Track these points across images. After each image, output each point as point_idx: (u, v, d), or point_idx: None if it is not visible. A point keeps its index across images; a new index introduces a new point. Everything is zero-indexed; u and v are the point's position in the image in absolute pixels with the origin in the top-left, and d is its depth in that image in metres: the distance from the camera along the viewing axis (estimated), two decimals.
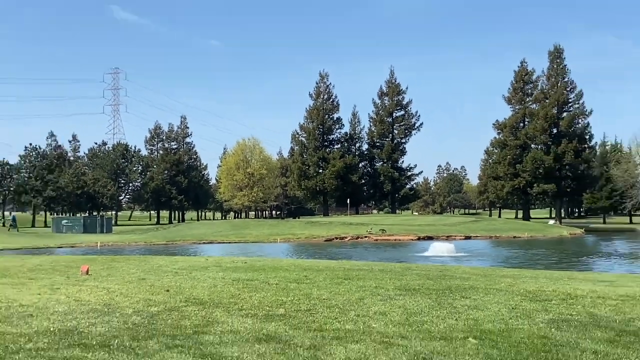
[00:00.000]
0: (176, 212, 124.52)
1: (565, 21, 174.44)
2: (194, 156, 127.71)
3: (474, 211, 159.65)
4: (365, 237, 59.50)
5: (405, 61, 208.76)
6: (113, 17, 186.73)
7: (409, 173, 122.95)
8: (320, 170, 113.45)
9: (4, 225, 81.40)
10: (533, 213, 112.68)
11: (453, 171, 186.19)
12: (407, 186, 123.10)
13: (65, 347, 6.09)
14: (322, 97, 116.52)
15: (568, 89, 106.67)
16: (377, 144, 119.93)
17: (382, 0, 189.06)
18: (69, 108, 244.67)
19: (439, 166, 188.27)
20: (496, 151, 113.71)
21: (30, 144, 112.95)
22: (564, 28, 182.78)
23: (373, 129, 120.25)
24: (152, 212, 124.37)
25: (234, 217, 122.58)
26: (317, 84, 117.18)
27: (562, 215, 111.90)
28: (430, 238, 56.57)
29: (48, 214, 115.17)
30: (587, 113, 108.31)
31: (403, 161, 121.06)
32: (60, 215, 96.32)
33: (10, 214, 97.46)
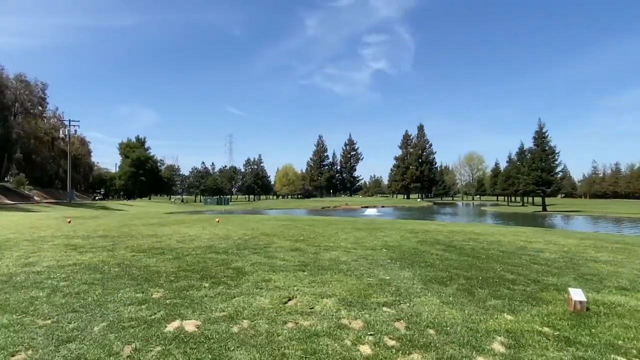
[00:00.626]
0: (256, 196, 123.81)
1: (425, 111, 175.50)
2: (264, 171, 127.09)
3: (385, 195, 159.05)
4: (339, 206, 59.09)
5: (358, 127, 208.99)
6: (227, 111, 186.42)
7: (358, 179, 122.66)
8: (319, 177, 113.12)
9: (181, 202, 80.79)
10: (411, 196, 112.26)
11: (377, 178, 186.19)
12: (357, 184, 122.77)
13: (208, 253, 6.06)
14: (320, 146, 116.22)
15: (426, 143, 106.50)
16: (344, 166, 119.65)
17: (348, 102, 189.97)
18: (211, 151, 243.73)
19: (371, 176, 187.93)
20: (395, 169, 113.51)
21: (193, 167, 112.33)
22: (425, 115, 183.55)
23: (342, 160, 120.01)
24: (246, 196, 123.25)
25: (282, 198, 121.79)
26: (318, 141, 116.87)
27: (423, 197, 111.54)
28: (366, 207, 56.33)
29: (201, 196, 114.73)
30: (434, 152, 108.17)
31: (355, 174, 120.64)
32: (206, 197, 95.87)
33: (181, 197, 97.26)
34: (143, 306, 3.58)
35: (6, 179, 47.13)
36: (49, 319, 3.29)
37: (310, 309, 3.58)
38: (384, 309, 3.62)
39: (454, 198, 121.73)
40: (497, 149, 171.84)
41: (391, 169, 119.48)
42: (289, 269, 4.93)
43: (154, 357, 2.75)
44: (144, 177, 75.07)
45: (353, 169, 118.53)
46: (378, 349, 2.89)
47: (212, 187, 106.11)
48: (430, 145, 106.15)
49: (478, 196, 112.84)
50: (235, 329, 3.17)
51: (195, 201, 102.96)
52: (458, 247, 7.13)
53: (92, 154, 74.12)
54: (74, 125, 43.58)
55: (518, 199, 77.25)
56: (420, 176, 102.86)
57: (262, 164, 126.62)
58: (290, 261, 5.47)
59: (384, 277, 4.62)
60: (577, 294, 3.79)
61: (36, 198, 42.33)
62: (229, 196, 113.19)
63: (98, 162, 71.42)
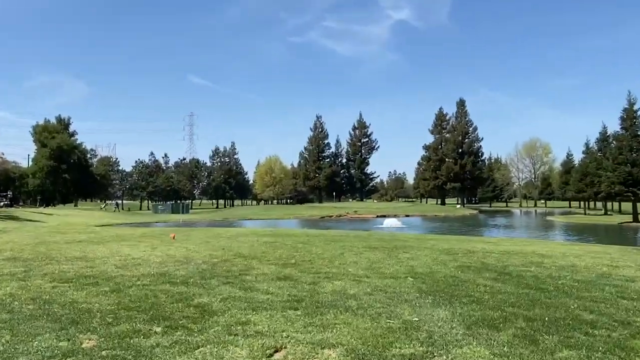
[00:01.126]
0: (228, 200, 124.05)
1: (467, 81, 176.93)
2: (239, 165, 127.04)
3: (411, 199, 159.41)
4: (345, 215, 59.36)
5: (370, 105, 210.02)
6: (188, 80, 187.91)
7: (371, 176, 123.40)
8: (317, 175, 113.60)
9: (116, 209, 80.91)
10: (447, 200, 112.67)
11: (398, 175, 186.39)
12: (370, 184, 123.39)
13: (160, 283, 6.08)
14: (317, 130, 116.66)
15: (468, 125, 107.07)
16: (352, 159, 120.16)
17: (357, 67, 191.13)
18: (164, 137, 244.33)
19: (390, 172, 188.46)
20: (424, 163, 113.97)
21: (139, 159, 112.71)
22: (466, 86, 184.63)
23: (349, 150, 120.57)
24: (213, 200, 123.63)
25: (264, 204, 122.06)
26: (315, 122, 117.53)
27: (464, 202, 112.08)
28: (384, 216, 56.50)
29: (149, 201, 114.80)
30: (480, 139, 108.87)
31: (367, 169, 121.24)
32: (156, 203, 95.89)
33: (115, 202, 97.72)
34: None
35: None
36: None
37: None
38: None
39: (509, 203, 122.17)
40: (570, 135, 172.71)
41: (419, 163, 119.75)
42: (276, 307, 4.93)
43: None
44: (68, 173, 75.10)
45: (365, 162, 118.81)
46: None
47: (166, 188, 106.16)
48: (475, 128, 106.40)
49: (543, 201, 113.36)
50: None
51: (140, 208, 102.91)
52: (515, 274, 7.16)
53: None
54: None
55: (600, 204, 77.47)
56: (460, 173, 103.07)
57: (236, 156, 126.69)
58: (277, 295, 5.47)
59: (410, 317, 4.63)
60: None
61: None
62: (189, 201, 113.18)
63: (3, 153, 71.23)
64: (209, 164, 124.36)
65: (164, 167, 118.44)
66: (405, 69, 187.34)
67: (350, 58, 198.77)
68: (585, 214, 67.33)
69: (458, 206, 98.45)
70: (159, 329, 4.21)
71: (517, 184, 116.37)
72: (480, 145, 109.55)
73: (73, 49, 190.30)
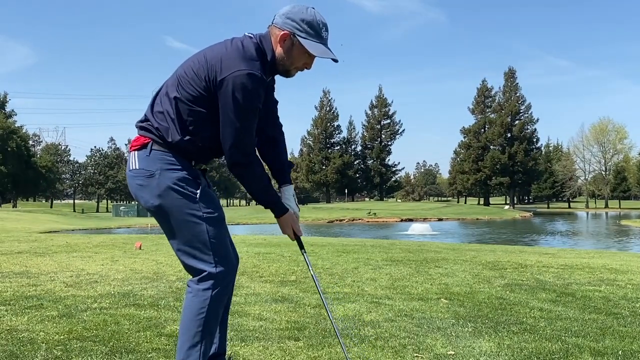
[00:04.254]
0: None
1: (518, 45, 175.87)
2: None
3: (445, 199, 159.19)
4: (360, 219, 59.47)
5: (393, 77, 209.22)
6: (163, 44, 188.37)
7: (394, 169, 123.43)
8: (324, 167, 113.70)
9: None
10: (492, 200, 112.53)
11: (428, 167, 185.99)
12: (392, 179, 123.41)
13: (123, 307, 6.12)
14: (325, 109, 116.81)
15: (519, 102, 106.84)
16: (369, 146, 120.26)
17: (377, 32, 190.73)
18: (125, 117, 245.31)
19: (418, 163, 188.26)
20: (462, 151, 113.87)
21: (95, 147, 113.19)
22: (519, 51, 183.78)
23: (365, 134, 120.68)
24: None
25: (256, 204, 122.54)
26: (321, 98, 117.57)
27: (515, 202, 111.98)
28: (410, 220, 56.65)
29: (109, 201, 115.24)
30: (534, 121, 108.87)
31: (389, 159, 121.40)
32: (118, 203, 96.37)
33: None
34: None
35: None
36: None
37: None
38: None
39: (572, 204, 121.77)
40: None
41: (455, 152, 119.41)
42: (271, 336, 4.95)
43: None
44: (4, 166, 75.73)
45: (385, 150, 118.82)
46: None
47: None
48: (529, 107, 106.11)
49: (616, 200, 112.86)
50: None
51: (98, 210, 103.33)
52: (579, 295, 7.15)
53: None
54: None
55: None
56: (508, 164, 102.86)
57: None
58: (273, 321, 5.49)
59: (445, 351, 4.64)
60: None
61: None
62: None
63: None
64: None
65: (127, 157, 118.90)
66: (444, 29, 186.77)
67: (374, 15, 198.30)
68: None
69: (506, 207, 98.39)
70: None
71: (582, 178, 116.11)
72: (535, 129, 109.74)
73: (13, 3, 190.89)
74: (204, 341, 3.08)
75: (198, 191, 3.13)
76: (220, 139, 3.05)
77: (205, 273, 3.08)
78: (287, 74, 3.21)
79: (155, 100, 3.18)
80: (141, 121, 3.22)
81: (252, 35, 3.14)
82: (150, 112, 3.17)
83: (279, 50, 3.11)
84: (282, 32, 3.07)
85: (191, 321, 3.06)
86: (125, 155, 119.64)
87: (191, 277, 3.16)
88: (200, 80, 2.98)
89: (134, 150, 3.15)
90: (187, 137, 3.09)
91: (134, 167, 3.11)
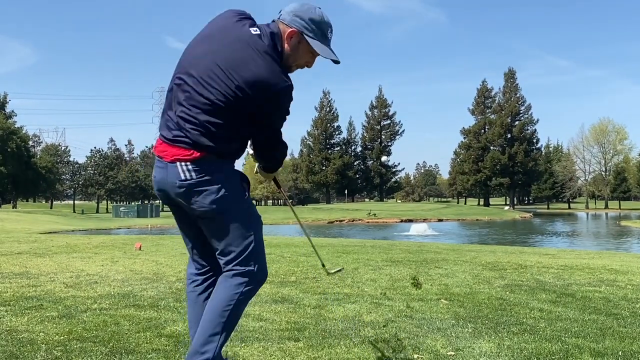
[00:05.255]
0: None
1: (518, 45, 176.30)
2: None
3: (445, 199, 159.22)
4: (360, 219, 59.48)
5: (393, 78, 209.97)
6: (163, 44, 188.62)
7: (394, 169, 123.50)
8: (324, 168, 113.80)
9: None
10: (492, 201, 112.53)
11: (428, 168, 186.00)
12: (392, 180, 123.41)
13: (123, 307, 6.12)
14: (325, 109, 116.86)
15: (519, 103, 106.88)
16: (369, 146, 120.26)
17: (377, 32, 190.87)
18: (125, 118, 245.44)
19: (418, 163, 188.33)
20: (462, 152, 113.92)
21: (95, 147, 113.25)
22: (520, 51, 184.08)
23: (365, 135, 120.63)
24: None
25: (256, 205, 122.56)
26: (321, 99, 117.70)
27: (515, 203, 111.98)
28: (410, 220, 56.66)
29: (109, 202, 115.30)
30: (534, 121, 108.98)
31: (389, 160, 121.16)
32: (118, 204, 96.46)
33: None
34: None
35: None
36: None
37: None
38: None
39: (572, 204, 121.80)
40: None
41: (455, 153, 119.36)
42: (271, 337, 4.96)
43: None
44: (4, 167, 75.75)
45: (385, 151, 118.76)
46: None
47: (130, 185, 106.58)
48: (529, 107, 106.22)
49: (616, 201, 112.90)
50: None
51: (98, 210, 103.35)
52: (579, 296, 7.16)
53: None
54: None
55: None
56: (508, 164, 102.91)
57: None
58: (273, 322, 5.50)
59: (444, 351, 4.64)
60: None
61: None
62: (158, 202, 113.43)
63: None
64: None
65: (128, 158, 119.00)
66: (445, 29, 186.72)
67: (375, 15, 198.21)
68: None
69: (506, 208, 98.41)
70: None
71: (582, 179, 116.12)
72: (535, 129, 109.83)
73: (15, 4, 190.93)
74: (224, 333, 3.18)
75: (247, 193, 3.32)
76: (260, 138, 3.35)
77: (244, 270, 3.21)
78: (289, 70, 3.27)
79: (184, 106, 3.17)
80: (178, 130, 3.18)
81: (260, 30, 3.19)
82: (187, 120, 3.15)
83: (285, 46, 3.19)
84: (290, 30, 3.14)
85: (217, 311, 3.17)
86: (125, 156, 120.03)
87: (226, 269, 3.27)
88: (231, 82, 3.05)
89: (184, 160, 3.15)
90: (230, 140, 3.19)
91: (186, 177, 3.14)
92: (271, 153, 3.52)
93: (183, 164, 3.14)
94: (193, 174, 3.13)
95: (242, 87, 3.03)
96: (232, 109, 3.08)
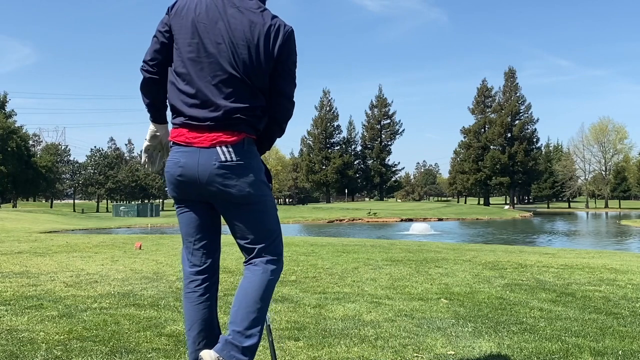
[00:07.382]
0: None
1: (519, 45, 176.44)
2: None
3: (445, 199, 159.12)
4: (360, 219, 59.47)
5: (393, 77, 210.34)
6: None
7: (394, 169, 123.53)
8: (324, 167, 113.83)
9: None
10: (492, 200, 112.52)
11: (428, 167, 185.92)
12: (392, 179, 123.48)
13: (123, 307, 6.12)
14: (325, 109, 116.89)
15: (519, 102, 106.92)
16: (369, 146, 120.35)
17: (377, 31, 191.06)
18: (125, 118, 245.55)
19: (418, 163, 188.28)
20: (462, 151, 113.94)
21: (95, 147, 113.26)
22: (520, 51, 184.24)
23: (365, 134, 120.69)
24: None
25: None
26: (321, 98, 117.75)
27: (515, 202, 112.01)
28: (410, 220, 56.65)
29: (109, 201, 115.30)
30: (534, 121, 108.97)
31: (389, 159, 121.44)
32: (118, 203, 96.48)
33: None
34: None
35: None
36: None
37: None
38: None
39: (572, 204, 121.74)
40: None
41: (455, 152, 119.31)
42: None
43: None
44: (4, 166, 75.71)
45: (386, 150, 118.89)
46: None
47: (130, 184, 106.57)
48: (529, 107, 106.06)
49: (616, 200, 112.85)
50: None
51: (98, 210, 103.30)
52: (579, 295, 7.16)
53: None
54: None
55: None
56: (508, 164, 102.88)
57: None
58: (273, 321, 5.49)
59: (445, 351, 4.64)
60: None
61: None
62: (159, 201, 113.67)
63: None
64: None
65: (128, 158, 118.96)
66: (445, 29, 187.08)
67: (374, 14, 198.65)
68: None
69: (506, 207, 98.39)
70: None
71: (582, 178, 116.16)
72: (535, 129, 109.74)
73: (15, 4, 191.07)
74: (262, 317, 3.22)
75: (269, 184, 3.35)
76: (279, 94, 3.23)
77: (275, 258, 3.28)
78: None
79: (219, 85, 3.07)
80: (225, 112, 3.07)
81: None
82: (229, 100, 3.08)
83: None
84: None
85: (257, 296, 3.18)
86: (126, 155, 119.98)
87: (258, 257, 3.27)
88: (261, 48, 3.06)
89: (228, 144, 3.08)
90: (261, 119, 3.21)
91: (226, 158, 3.06)
92: (287, 121, 3.41)
93: (224, 146, 3.07)
94: (234, 155, 3.06)
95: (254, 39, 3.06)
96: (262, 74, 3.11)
